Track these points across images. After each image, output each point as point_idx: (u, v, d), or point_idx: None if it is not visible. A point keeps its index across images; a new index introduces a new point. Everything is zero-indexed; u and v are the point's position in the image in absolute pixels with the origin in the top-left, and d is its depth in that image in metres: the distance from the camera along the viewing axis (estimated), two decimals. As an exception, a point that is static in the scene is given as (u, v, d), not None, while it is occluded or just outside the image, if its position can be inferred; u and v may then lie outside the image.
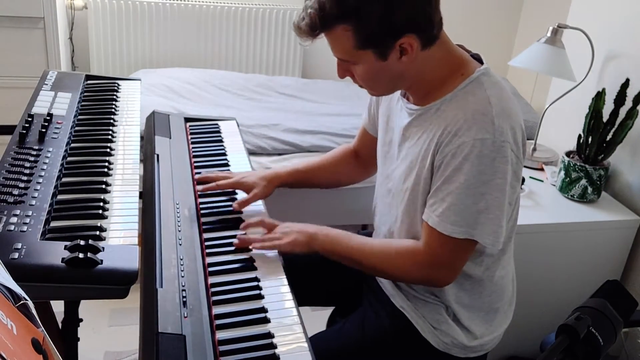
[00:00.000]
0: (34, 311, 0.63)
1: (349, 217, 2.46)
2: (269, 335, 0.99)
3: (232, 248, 1.20)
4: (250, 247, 1.21)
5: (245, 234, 1.25)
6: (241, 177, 1.38)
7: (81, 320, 1.55)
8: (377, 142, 1.39)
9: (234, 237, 1.24)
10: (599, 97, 1.93)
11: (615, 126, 1.91)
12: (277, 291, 1.10)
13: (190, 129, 1.65)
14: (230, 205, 1.34)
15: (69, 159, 1.34)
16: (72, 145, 1.40)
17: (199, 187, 1.35)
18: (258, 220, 1.27)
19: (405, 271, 1.20)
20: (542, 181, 2.13)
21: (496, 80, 1.16)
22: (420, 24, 1.09)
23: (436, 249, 1.16)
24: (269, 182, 1.40)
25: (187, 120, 1.70)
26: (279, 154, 2.40)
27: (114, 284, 0.98)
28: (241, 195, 1.39)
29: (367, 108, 1.46)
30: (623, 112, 1.90)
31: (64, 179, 1.26)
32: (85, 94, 1.69)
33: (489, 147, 1.08)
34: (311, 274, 1.48)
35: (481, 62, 1.19)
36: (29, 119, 1.42)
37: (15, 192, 1.14)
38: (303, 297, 1.18)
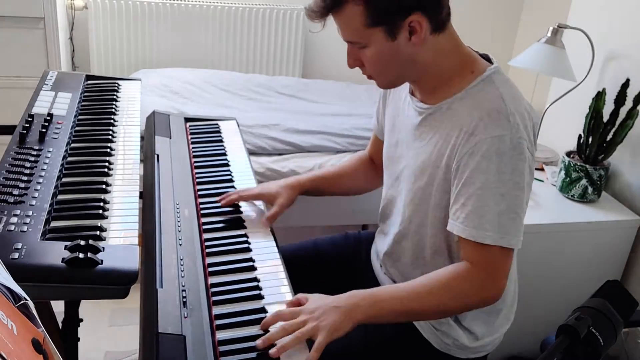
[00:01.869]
0: (34, 311, 0.63)
1: (349, 217, 2.45)
2: (269, 335, 0.99)
3: (232, 247, 1.20)
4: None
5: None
6: (263, 188, 1.36)
7: (81, 320, 1.55)
8: (384, 145, 1.38)
9: (234, 237, 1.24)
10: (599, 97, 1.93)
11: (616, 126, 1.91)
12: (277, 291, 1.10)
13: (190, 129, 1.65)
14: (231, 205, 1.34)
15: (69, 159, 1.34)
16: (72, 145, 1.40)
17: (222, 202, 1.33)
18: (274, 316, 1.02)
19: (467, 296, 1.11)
20: (542, 181, 2.13)
21: (506, 79, 1.17)
22: (429, 2, 1.10)
23: (478, 259, 1.10)
24: (292, 189, 1.39)
25: (187, 120, 1.70)
26: (279, 154, 2.40)
27: (114, 284, 0.98)
28: (244, 206, 1.37)
29: (375, 114, 1.46)
30: (623, 112, 1.90)
31: (64, 179, 1.26)
32: (86, 94, 1.69)
33: (507, 144, 1.08)
34: (311, 273, 1.48)
35: (490, 62, 1.20)
36: (29, 119, 1.42)
37: (16, 192, 1.14)
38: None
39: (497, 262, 1.12)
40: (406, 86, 1.29)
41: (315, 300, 1.05)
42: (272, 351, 0.94)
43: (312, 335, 0.98)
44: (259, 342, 0.96)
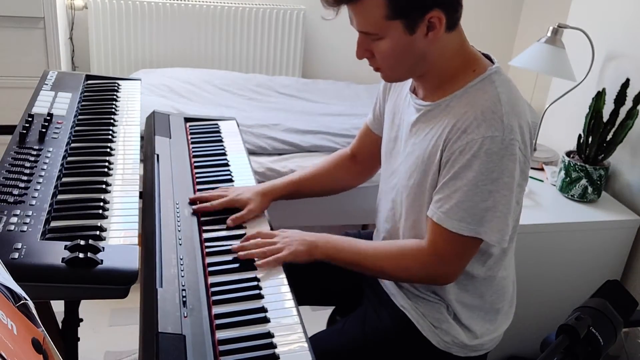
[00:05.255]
0: (34, 311, 0.63)
1: (349, 217, 2.46)
2: (269, 335, 0.99)
3: (232, 247, 1.20)
4: (255, 264, 1.16)
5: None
6: (236, 195, 1.35)
7: (81, 320, 1.55)
8: (382, 139, 1.39)
9: (234, 237, 1.24)
10: (599, 97, 1.93)
11: (616, 126, 1.91)
12: (277, 291, 1.10)
13: (190, 129, 1.65)
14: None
15: (69, 159, 1.34)
16: (72, 145, 1.40)
17: (193, 207, 1.30)
18: (255, 233, 1.24)
19: (410, 271, 1.20)
20: (542, 181, 2.13)
21: (507, 79, 1.17)
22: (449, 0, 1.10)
23: (441, 245, 1.15)
24: (264, 196, 1.38)
25: (187, 120, 1.70)
26: (279, 154, 2.40)
27: (114, 284, 0.98)
28: None
29: (372, 108, 1.46)
30: (623, 112, 1.90)
31: (64, 179, 1.26)
32: (86, 94, 1.69)
33: (498, 144, 1.09)
34: (311, 274, 1.48)
35: (492, 62, 1.20)
36: (29, 119, 1.42)
37: (15, 192, 1.14)
38: (303, 297, 1.18)
39: (459, 251, 1.16)
40: (407, 83, 1.30)
41: (288, 232, 1.24)
42: (240, 253, 1.16)
43: (276, 253, 1.18)
44: (233, 246, 1.17)
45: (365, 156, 1.49)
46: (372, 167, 1.51)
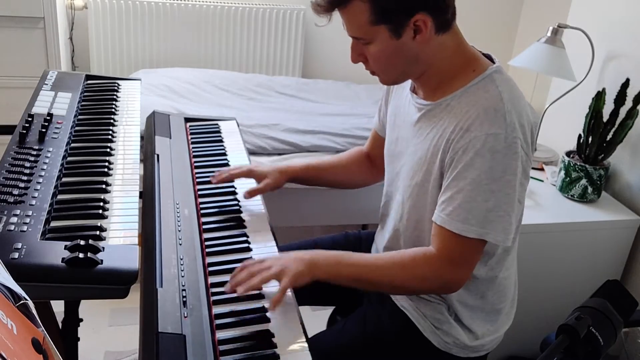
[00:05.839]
0: (34, 311, 0.63)
1: (349, 217, 2.45)
2: (269, 334, 0.99)
3: (232, 247, 1.20)
4: (268, 311, 1.05)
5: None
6: (254, 166, 1.39)
7: (81, 320, 1.55)
8: (385, 142, 1.39)
9: (234, 237, 1.24)
10: (599, 97, 1.94)
11: (616, 126, 1.91)
12: (277, 291, 1.10)
13: (190, 129, 1.65)
14: (231, 205, 1.34)
15: (69, 158, 1.34)
16: (72, 145, 1.40)
17: (212, 179, 1.35)
18: (240, 268, 1.09)
19: (425, 281, 1.16)
20: (542, 181, 2.13)
21: (508, 78, 1.17)
22: (434, 2, 1.10)
23: (450, 249, 1.13)
24: (282, 173, 1.41)
25: (187, 120, 1.70)
26: (279, 154, 2.40)
27: (114, 284, 0.98)
28: (244, 206, 1.38)
29: (377, 111, 1.46)
30: (623, 112, 1.90)
31: (64, 179, 1.26)
32: (85, 94, 1.69)
33: (501, 142, 1.09)
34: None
35: (492, 62, 1.20)
36: (29, 119, 1.42)
37: (15, 192, 1.14)
38: (303, 297, 1.18)
39: (468, 254, 1.14)
40: (408, 83, 1.30)
41: (278, 256, 1.14)
42: (239, 289, 1.02)
43: (276, 278, 1.06)
44: (226, 287, 1.04)
45: (378, 159, 1.49)
46: (384, 169, 1.52)
